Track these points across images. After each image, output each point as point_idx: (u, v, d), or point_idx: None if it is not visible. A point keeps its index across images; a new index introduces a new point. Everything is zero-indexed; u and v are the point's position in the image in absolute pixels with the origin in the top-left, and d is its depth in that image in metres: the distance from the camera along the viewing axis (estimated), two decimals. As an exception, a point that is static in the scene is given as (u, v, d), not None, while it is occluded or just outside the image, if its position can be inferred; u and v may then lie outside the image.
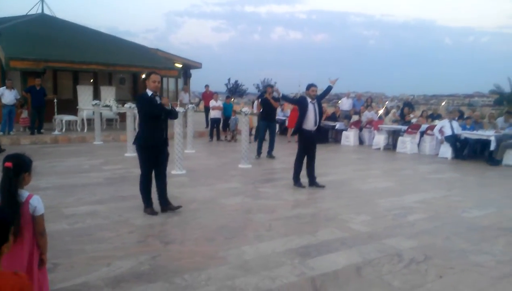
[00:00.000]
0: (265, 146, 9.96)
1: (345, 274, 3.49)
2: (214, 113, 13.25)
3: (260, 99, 10.79)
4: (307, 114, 6.72)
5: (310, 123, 6.77)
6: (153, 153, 5.03)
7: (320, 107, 6.98)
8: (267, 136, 10.09)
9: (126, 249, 3.92)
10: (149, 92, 4.96)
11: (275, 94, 6.82)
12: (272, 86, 10.35)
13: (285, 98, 8.13)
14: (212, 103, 13.43)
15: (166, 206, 5.18)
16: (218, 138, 13.45)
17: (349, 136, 13.26)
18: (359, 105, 14.91)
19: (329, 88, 7.01)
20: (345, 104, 15.52)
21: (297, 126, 6.88)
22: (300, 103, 6.97)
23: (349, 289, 3.23)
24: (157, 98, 4.99)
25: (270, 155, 9.94)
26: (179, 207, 5.23)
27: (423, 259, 3.87)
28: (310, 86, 6.85)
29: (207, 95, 15.84)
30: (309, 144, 6.90)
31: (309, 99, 6.78)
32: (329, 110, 15.46)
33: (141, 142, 5.01)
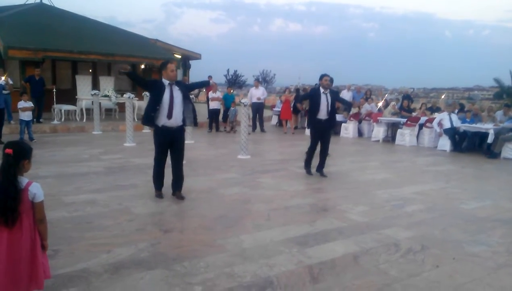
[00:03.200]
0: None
1: (343, 263, 3.53)
2: (213, 105, 13.24)
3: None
4: (320, 106, 6.75)
5: (322, 113, 6.80)
6: (167, 137, 5.04)
7: (334, 99, 6.97)
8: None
9: (126, 237, 3.95)
10: (166, 82, 4.96)
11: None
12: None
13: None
14: (211, 94, 13.41)
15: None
16: (217, 129, 13.46)
17: (348, 128, 13.28)
18: (358, 97, 14.92)
19: None
20: (345, 96, 15.50)
21: (309, 117, 6.87)
22: (312, 95, 7.00)
23: (346, 277, 3.27)
24: (175, 87, 4.98)
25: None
26: (183, 198, 5.29)
27: (420, 249, 3.91)
28: (322, 76, 6.85)
29: (210, 86, 15.77)
30: (320, 132, 6.93)
31: (322, 90, 6.80)
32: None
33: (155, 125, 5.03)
